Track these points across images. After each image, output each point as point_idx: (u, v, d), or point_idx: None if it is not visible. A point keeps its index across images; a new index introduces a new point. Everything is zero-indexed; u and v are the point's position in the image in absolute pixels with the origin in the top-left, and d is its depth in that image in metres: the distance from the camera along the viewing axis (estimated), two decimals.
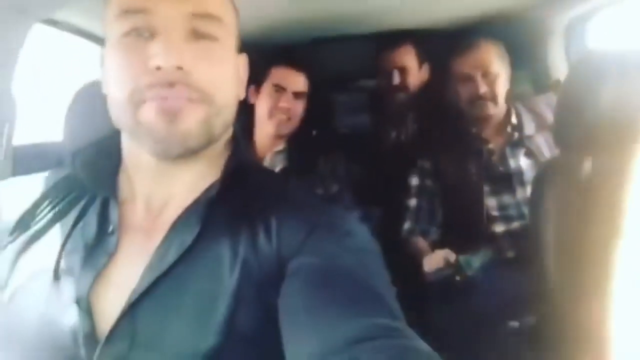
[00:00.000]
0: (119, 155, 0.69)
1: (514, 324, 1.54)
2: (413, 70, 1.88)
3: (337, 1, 1.54)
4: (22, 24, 1.02)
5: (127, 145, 0.67)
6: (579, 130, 1.13)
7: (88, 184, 0.66)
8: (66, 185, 0.68)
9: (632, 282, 0.91)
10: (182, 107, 0.59)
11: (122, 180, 0.67)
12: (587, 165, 1.13)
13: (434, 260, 1.45)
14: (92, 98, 0.99)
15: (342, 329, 0.47)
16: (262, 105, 1.61)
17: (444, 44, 1.75)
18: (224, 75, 0.64)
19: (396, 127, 1.99)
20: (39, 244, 0.63)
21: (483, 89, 1.62)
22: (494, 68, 1.63)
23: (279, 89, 1.59)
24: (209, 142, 0.63)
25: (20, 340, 0.56)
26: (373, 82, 2.12)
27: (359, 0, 1.57)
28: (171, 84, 0.58)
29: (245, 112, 1.60)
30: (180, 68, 0.58)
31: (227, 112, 0.65)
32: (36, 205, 0.67)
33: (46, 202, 0.67)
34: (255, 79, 1.62)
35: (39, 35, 1.12)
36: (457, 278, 1.37)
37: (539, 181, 1.29)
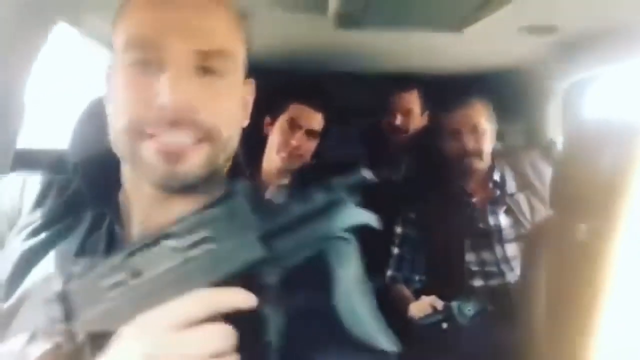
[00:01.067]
0: (119, 171, 0.67)
1: None
2: (416, 114, 1.92)
3: (354, 40, 1.57)
4: (42, 26, 1.01)
5: (126, 169, 0.65)
6: (575, 195, 1.16)
7: (89, 198, 0.64)
8: (75, 197, 0.66)
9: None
10: (186, 149, 0.57)
11: (122, 200, 0.66)
12: (583, 229, 1.15)
13: (421, 307, 1.45)
14: (104, 111, 0.98)
15: None
16: (274, 139, 1.59)
17: (440, 98, 1.80)
18: (231, 110, 0.62)
19: (388, 166, 2.01)
20: (47, 251, 0.61)
21: (470, 144, 1.67)
22: (482, 125, 1.68)
23: (294, 125, 1.57)
24: (211, 176, 0.62)
25: None
26: (371, 120, 2.16)
27: (375, 41, 1.61)
28: (176, 124, 0.56)
29: (256, 138, 1.59)
30: (188, 108, 0.56)
31: (231, 145, 0.64)
32: (39, 205, 0.65)
33: (52, 209, 0.65)
34: (272, 109, 1.60)
35: (57, 40, 1.11)
36: (444, 325, 1.37)
37: (532, 241, 1.31)
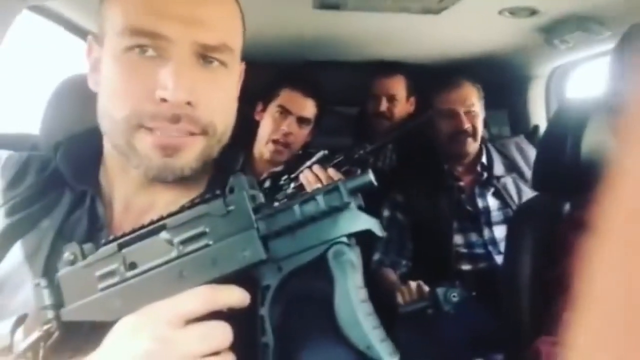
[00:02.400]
0: (100, 151, 0.66)
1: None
2: (401, 100, 1.90)
3: (335, 26, 1.55)
4: (12, 7, 0.98)
5: (112, 151, 0.63)
6: (559, 174, 1.15)
7: (68, 177, 0.63)
8: (54, 176, 0.65)
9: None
10: (183, 143, 0.57)
11: (102, 178, 0.65)
12: (566, 208, 1.15)
13: (408, 292, 1.44)
14: (75, 92, 0.96)
15: None
16: (264, 126, 1.57)
17: (431, 81, 1.79)
18: (228, 103, 0.63)
19: (375, 154, 2.00)
20: (27, 227, 0.60)
21: (467, 124, 1.66)
22: (476, 107, 1.69)
23: (284, 111, 1.55)
24: (204, 166, 0.61)
25: None
26: (354, 109, 2.15)
27: (356, 27, 1.60)
28: (177, 119, 0.55)
29: (247, 125, 1.57)
30: (188, 103, 0.56)
31: (225, 137, 0.64)
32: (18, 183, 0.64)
33: (30, 187, 0.64)
34: (264, 95, 1.60)
35: (23, 23, 1.08)
36: (430, 311, 1.36)
37: (516, 222, 1.30)
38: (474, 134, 1.68)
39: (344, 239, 0.45)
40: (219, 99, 0.60)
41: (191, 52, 0.56)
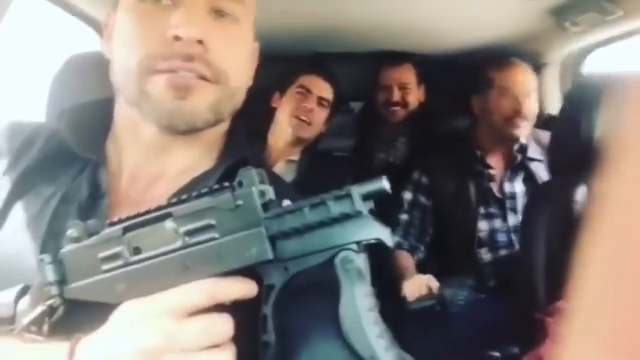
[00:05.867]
0: (108, 122, 0.66)
1: (495, 353, 1.51)
2: (413, 88, 1.89)
3: (343, 16, 1.54)
4: None
5: (124, 113, 0.64)
6: (574, 154, 1.12)
7: (72, 144, 0.62)
8: (62, 146, 0.65)
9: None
10: (195, 84, 0.57)
11: (110, 148, 0.65)
12: (581, 190, 1.12)
13: (416, 286, 1.40)
14: (79, 70, 0.96)
15: None
16: (285, 107, 1.61)
17: (442, 68, 1.75)
18: (242, 57, 0.64)
19: (385, 149, 1.98)
20: (31, 195, 0.61)
21: (525, 107, 1.59)
22: (533, 88, 1.63)
23: (305, 91, 1.59)
24: (216, 122, 0.62)
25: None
26: (359, 104, 2.14)
27: (359, 18, 1.58)
28: (189, 58, 0.56)
29: (260, 116, 1.60)
30: (200, 42, 0.56)
31: (239, 95, 0.64)
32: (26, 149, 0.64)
33: (38, 157, 0.64)
34: (281, 85, 1.64)
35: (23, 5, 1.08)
36: (438, 308, 1.34)
37: (532, 205, 1.28)
38: (529, 118, 1.61)
39: (353, 246, 0.44)
40: (231, 50, 0.61)
41: (204, 0, 0.58)
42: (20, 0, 1.03)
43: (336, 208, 0.44)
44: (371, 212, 0.45)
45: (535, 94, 1.64)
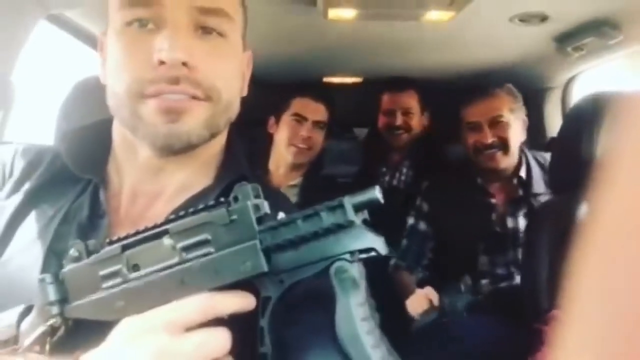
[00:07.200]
0: (109, 143, 0.67)
1: None
2: (416, 113, 1.91)
3: (345, 40, 1.57)
4: (34, 15, 1.03)
5: (121, 135, 0.64)
6: (574, 172, 1.13)
7: (72, 166, 0.63)
8: (65, 169, 0.66)
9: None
10: (186, 106, 0.57)
11: (111, 168, 0.65)
12: (583, 208, 1.12)
13: (418, 302, 1.40)
14: (88, 93, 0.98)
15: None
16: (281, 134, 1.60)
17: (445, 95, 1.78)
18: (231, 70, 0.63)
19: (390, 173, 1.99)
20: (35, 215, 0.61)
21: (490, 138, 1.54)
22: (505, 117, 1.54)
23: (300, 118, 1.59)
24: (211, 137, 0.62)
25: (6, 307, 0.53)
26: (363, 130, 2.15)
27: (365, 40, 1.62)
28: (175, 81, 0.56)
29: (259, 141, 1.62)
30: (185, 64, 0.56)
31: (233, 107, 0.64)
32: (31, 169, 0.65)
33: (42, 178, 0.65)
34: (276, 110, 1.64)
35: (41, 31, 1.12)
36: (445, 319, 1.33)
37: (534, 224, 1.27)
38: (503, 148, 1.54)
39: (347, 256, 0.44)
40: (219, 66, 0.60)
41: (188, 18, 0.57)
42: (37, 30, 1.06)
43: (329, 219, 0.44)
44: (365, 222, 0.45)
45: (518, 121, 1.58)
